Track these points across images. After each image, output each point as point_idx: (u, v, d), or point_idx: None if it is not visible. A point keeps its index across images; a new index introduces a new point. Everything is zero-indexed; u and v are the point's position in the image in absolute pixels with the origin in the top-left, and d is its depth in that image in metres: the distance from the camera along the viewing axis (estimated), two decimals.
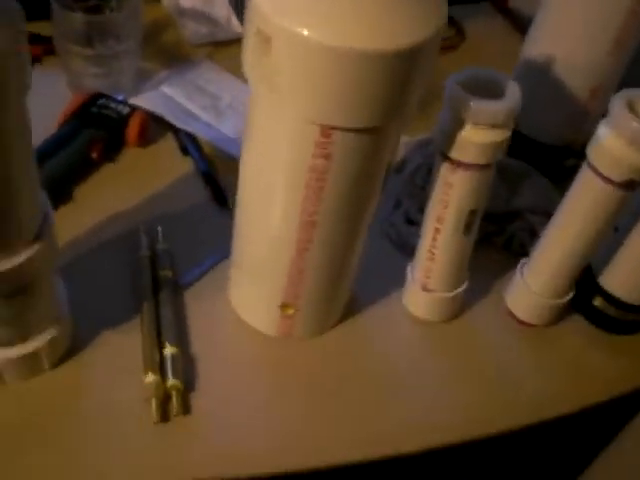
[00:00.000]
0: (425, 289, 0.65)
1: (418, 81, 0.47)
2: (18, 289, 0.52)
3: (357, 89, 0.45)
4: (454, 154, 0.55)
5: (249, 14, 0.46)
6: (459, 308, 0.67)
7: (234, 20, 0.89)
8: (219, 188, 0.73)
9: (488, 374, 0.65)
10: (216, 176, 0.74)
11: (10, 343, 0.56)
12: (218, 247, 0.68)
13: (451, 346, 0.67)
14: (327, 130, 0.47)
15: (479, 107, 0.53)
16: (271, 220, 0.55)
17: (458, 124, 0.54)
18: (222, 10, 0.89)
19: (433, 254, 0.62)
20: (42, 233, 0.52)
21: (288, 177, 0.51)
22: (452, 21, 0.98)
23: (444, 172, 0.57)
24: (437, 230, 0.60)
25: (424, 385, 0.64)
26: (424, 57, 0.46)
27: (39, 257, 0.51)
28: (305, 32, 0.43)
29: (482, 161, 0.55)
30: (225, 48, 0.89)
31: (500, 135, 0.55)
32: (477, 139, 0.54)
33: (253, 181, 0.55)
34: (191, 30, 0.89)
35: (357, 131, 0.48)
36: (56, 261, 0.56)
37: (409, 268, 0.67)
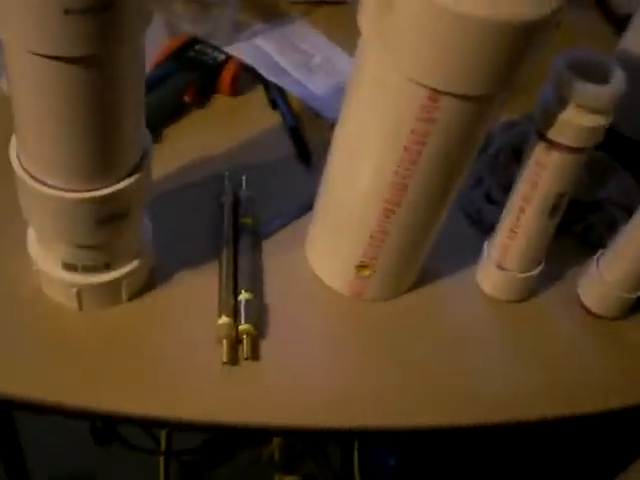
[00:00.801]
0: (500, 267, 0.65)
1: (534, 53, 0.47)
2: (113, 216, 0.53)
3: (475, 56, 0.45)
4: (552, 134, 0.55)
5: None
6: (531, 290, 0.68)
7: None
8: (304, 144, 0.74)
9: (551, 358, 0.65)
10: (302, 132, 0.75)
11: (94, 269, 0.57)
12: (298, 202, 0.69)
13: (518, 326, 0.67)
14: (435, 94, 0.47)
15: (586, 89, 0.53)
16: (362, 177, 0.56)
17: (560, 104, 0.54)
18: None
19: (514, 233, 0.62)
20: (142, 166, 0.53)
21: (387, 137, 0.52)
22: None
23: (538, 152, 0.57)
24: (522, 209, 0.60)
25: (487, 360, 0.64)
26: (545, 30, 0.46)
27: (136, 187, 0.53)
28: None
29: (579, 144, 0.55)
30: (321, 8, 0.89)
31: (601, 120, 0.55)
32: (578, 121, 0.54)
33: (350, 135, 0.56)
34: None
35: (465, 98, 0.48)
36: (149, 195, 0.57)
37: (486, 244, 0.67)
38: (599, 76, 0.54)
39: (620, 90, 0.54)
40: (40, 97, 0.45)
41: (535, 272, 0.65)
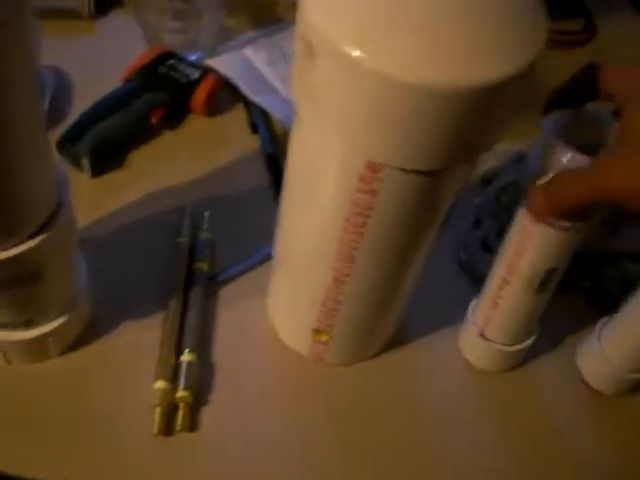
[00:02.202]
0: (482, 336, 0.56)
1: (499, 120, 0.39)
2: (21, 277, 0.47)
3: (412, 126, 0.36)
4: None
5: (298, 14, 0.39)
6: (519, 361, 0.59)
7: None
8: (280, 176, 0.66)
9: (541, 438, 0.57)
10: (281, 161, 0.67)
11: (13, 326, 0.52)
12: (267, 242, 0.61)
13: (505, 400, 0.58)
14: (374, 165, 0.39)
15: (574, 163, 0.44)
16: (308, 244, 0.48)
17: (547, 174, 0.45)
18: None
19: (496, 303, 0.53)
20: (55, 220, 0.46)
21: (327, 206, 0.44)
22: (583, 12, 0.85)
23: (525, 220, 0.48)
24: (505, 280, 0.52)
25: (463, 440, 0.56)
26: (509, 94, 0.37)
27: (46, 247, 0.46)
28: (355, 52, 0.35)
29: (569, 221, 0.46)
30: None
31: None
32: None
33: (293, 194, 0.48)
34: None
35: (411, 171, 0.39)
36: (72, 248, 0.51)
37: (471, 305, 0.58)
38: (602, 134, 0.45)
39: None
40: None
41: (523, 346, 0.56)
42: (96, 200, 0.63)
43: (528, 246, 0.49)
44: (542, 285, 0.51)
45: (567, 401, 0.59)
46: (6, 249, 0.45)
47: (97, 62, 0.71)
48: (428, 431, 0.56)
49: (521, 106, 0.40)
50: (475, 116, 0.37)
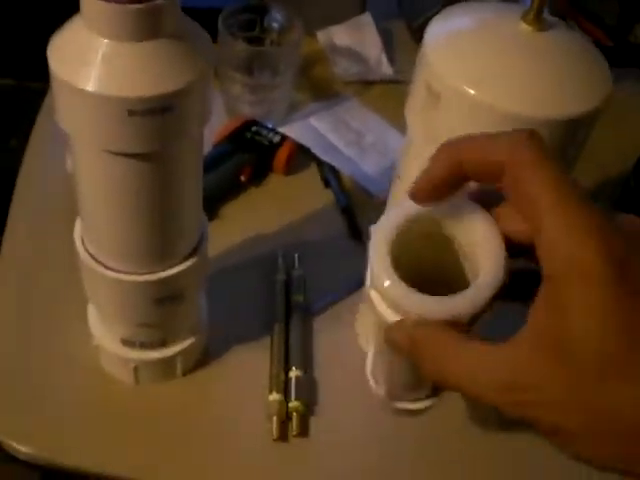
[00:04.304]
0: None
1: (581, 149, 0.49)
2: (170, 297, 0.55)
3: None
4: None
5: (419, 66, 0.49)
6: None
7: (384, 62, 0.93)
8: (355, 223, 0.76)
9: None
10: (353, 211, 0.77)
11: (150, 346, 0.60)
12: (349, 279, 0.70)
13: None
14: None
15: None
16: None
17: None
18: (374, 51, 0.93)
19: None
20: (198, 249, 0.55)
21: None
22: None
23: None
24: None
25: None
26: (587, 127, 0.47)
27: (193, 270, 0.55)
28: (473, 92, 0.45)
29: None
30: (373, 88, 0.92)
31: None
32: None
33: None
34: (342, 67, 0.92)
35: None
36: (206, 275, 0.60)
37: None
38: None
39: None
40: (104, 188, 0.48)
41: None
42: None
43: None
44: None
45: None
46: (164, 269, 0.53)
47: None
48: None
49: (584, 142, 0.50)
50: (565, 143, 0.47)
